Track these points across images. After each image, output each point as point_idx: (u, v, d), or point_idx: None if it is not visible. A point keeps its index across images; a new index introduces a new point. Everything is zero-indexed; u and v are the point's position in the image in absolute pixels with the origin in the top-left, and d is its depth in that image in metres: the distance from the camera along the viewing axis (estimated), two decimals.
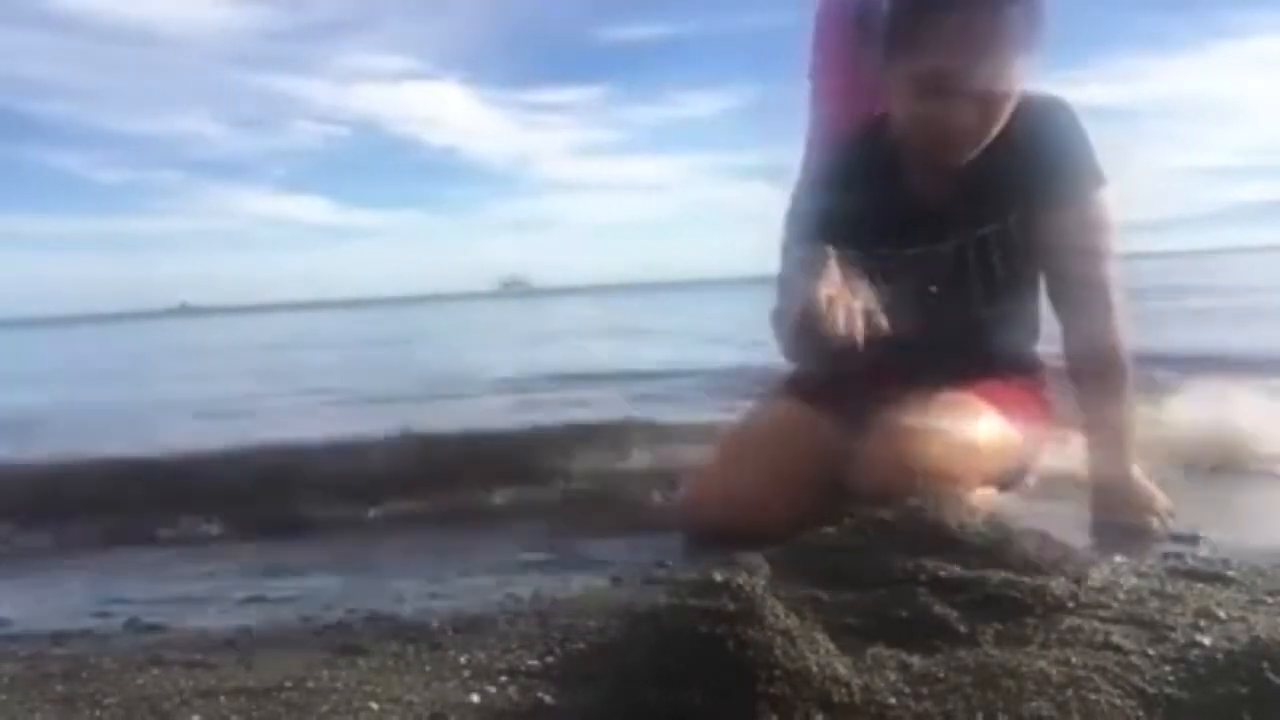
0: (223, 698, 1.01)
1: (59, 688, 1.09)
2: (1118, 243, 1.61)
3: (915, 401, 1.54)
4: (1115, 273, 1.60)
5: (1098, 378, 1.60)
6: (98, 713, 1.01)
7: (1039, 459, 1.73)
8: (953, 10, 1.48)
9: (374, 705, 0.98)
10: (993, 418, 1.59)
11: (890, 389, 1.57)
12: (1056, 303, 1.66)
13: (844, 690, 0.79)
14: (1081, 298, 1.61)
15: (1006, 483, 1.65)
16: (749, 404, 1.98)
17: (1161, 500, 1.57)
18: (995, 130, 1.56)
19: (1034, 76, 1.57)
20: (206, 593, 1.57)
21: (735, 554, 1.15)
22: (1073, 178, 1.58)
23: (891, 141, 1.66)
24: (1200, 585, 1.10)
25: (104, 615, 1.45)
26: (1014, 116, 1.56)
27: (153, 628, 1.36)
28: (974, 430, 1.55)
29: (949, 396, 1.58)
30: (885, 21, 1.60)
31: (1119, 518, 1.56)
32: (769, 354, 1.70)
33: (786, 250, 1.74)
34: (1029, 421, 1.66)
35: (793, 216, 1.77)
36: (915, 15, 1.53)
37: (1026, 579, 1.01)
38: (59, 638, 1.33)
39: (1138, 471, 1.59)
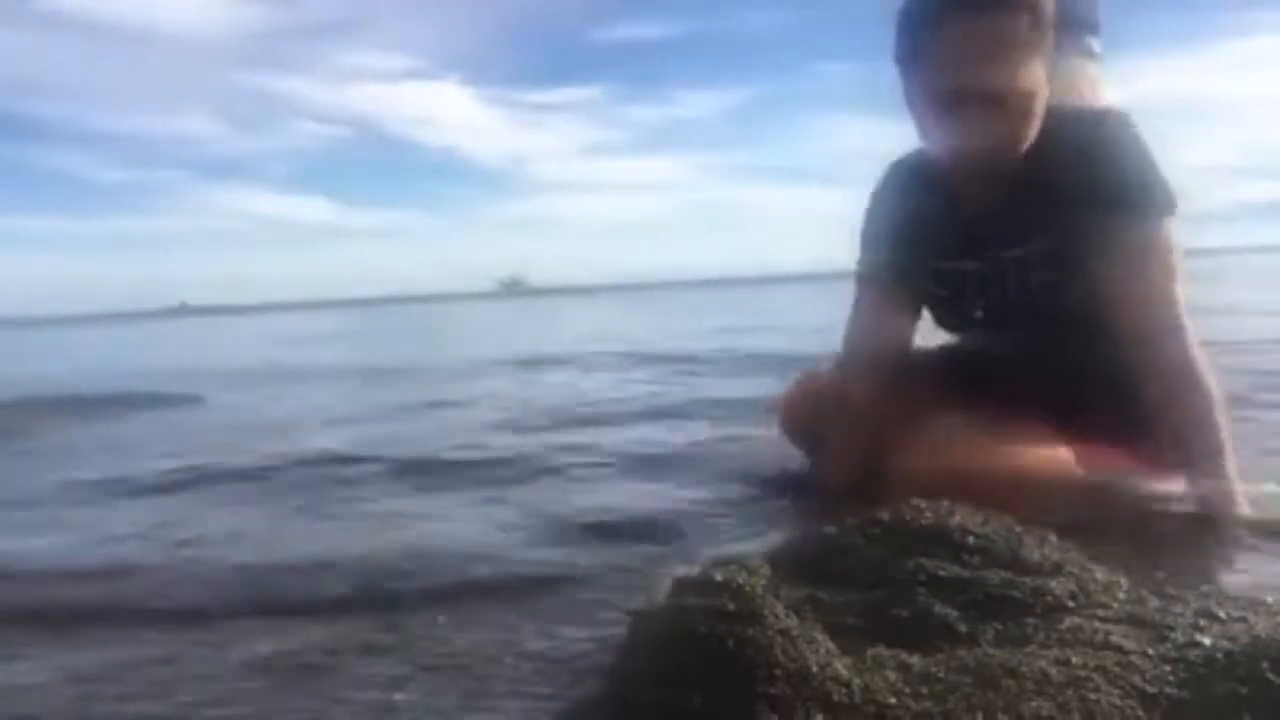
0: None
1: None
2: (1180, 265, 1.52)
3: (973, 415, 1.54)
4: (1180, 294, 1.51)
5: (1181, 403, 1.48)
6: None
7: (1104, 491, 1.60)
8: (948, 21, 1.48)
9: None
10: (1050, 446, 1.53)
11: (967, 397, 1.59)
12: (1122, 326, 1.53)
13: (844, 690, 0.79)
14: (1146, 319, 1.51)
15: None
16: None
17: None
18: (1027, 135, 1.52)
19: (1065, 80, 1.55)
20: None
21: (733, 553, 1.15)
22: (1128, 193, 1.51)
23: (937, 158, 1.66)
24: (1200, 585, 1.10)
25: None
26: (1065, 126, 1.54)
27: None
28: (1021, 455, 1.50)
29: (1009, 418, 1.54)
30: (895, 43, 1.60)
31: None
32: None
33: (858, 275, 1.84)
34: (1102, 454, 1.57)
35: (865, 229, 1.83)
36: (917, 31, 1.54)
37: (1026, 579, 1.01)
38: None
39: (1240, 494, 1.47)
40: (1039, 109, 1.51)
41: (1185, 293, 1.52)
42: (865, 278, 1.82)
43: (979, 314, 1.71)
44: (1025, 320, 1.66)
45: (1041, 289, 1.62)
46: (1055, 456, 1.55)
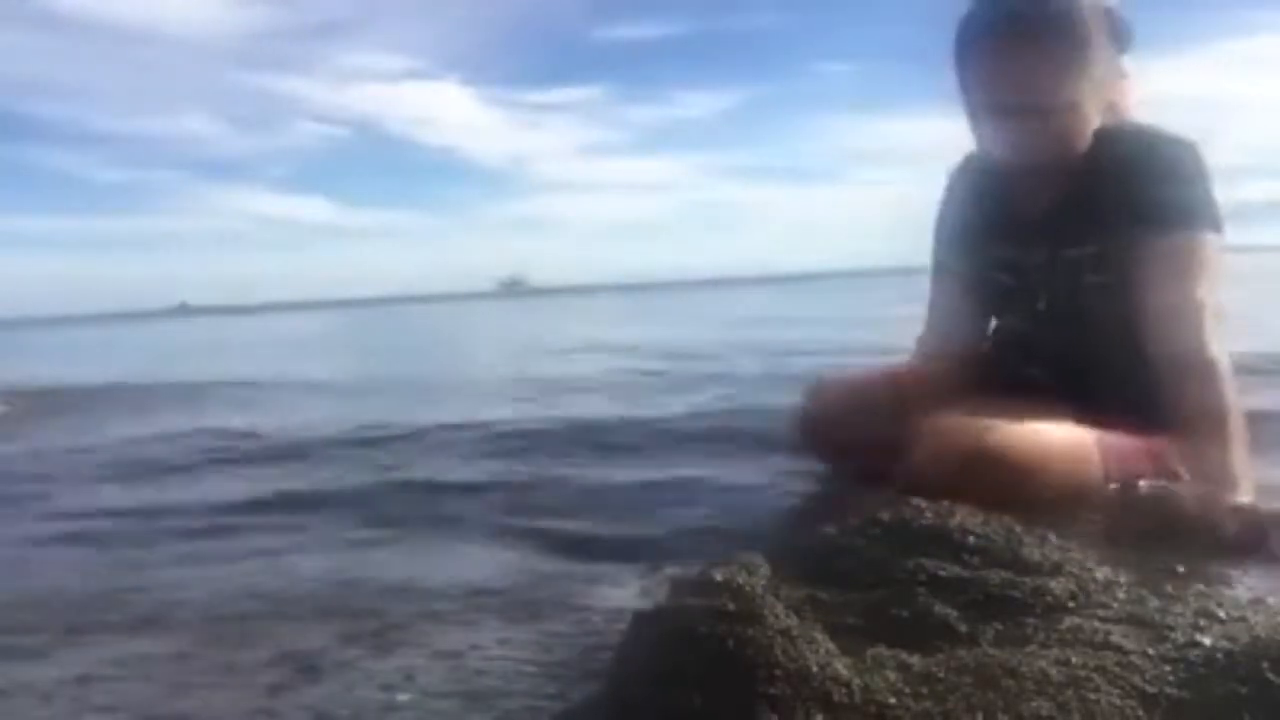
0: None
1: None
2: (1215, 285, 1.55)
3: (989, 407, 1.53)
4: (1209, 306, 1.54)
5: (1196, 410, 1.48)
6: None
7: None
8: (993, 40, 1.59)
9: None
10: (1071, 432, 1.53)
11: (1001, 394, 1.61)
12: (1148, 331, 1.56)
13: (844, 690, 0.79)
14: (1170, 326, 1.54)
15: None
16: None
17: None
18: (1072, 145, 1.61)
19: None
20: None
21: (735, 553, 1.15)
22: (1173, 208, 1.57)
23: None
24: (1200, 585, 1.10)
25: None
26: (1123, 141, 1.62)
27: None
28: (1037, 436, 1.49)
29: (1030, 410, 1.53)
30: (954, 53, 1.68)
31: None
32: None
33: (935, 266, 1.96)
34: (1119, 450, 1.56)
35: (939, 223, 1.96)
36: (967, 46, 1.64)
37: (1026, 579, 1.01)
38: None
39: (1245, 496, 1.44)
40: (1082, 122, 1.60)
41: (1217, 307, 1.55)
42: (941, 269, 1.94)
43: (1042, 306, 1.78)
44: (1076, 320, 1.73)
45: (1091, 291, 1.69)
46: (1077, 439, 1.54)
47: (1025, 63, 1.56)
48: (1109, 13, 1.61)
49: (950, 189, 1.94)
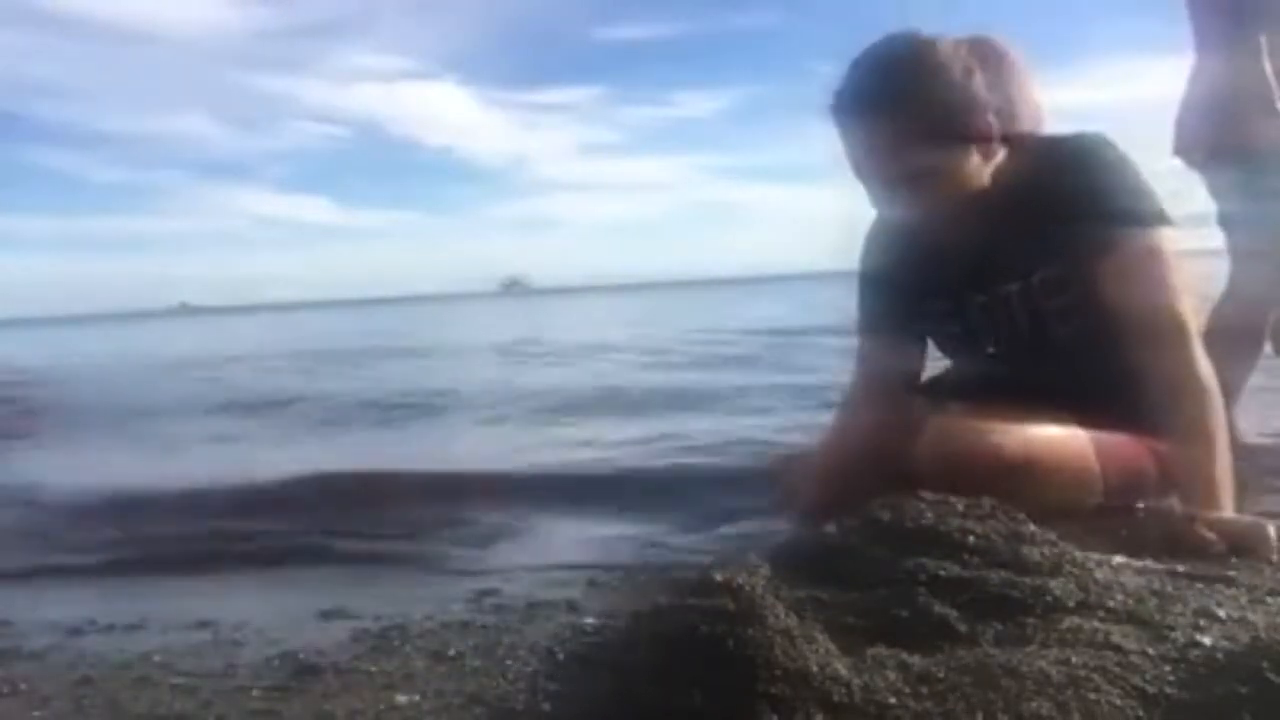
0: None
1: None
2: (1183, 279, 1.52)
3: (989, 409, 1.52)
4: (1188, 308, 1.51)
5: (1180, 420, 1.46)
6: None
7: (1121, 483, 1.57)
8: (839, 118, 1.54)
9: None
10: (1070, 432, 1.52)
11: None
12: (1130, 346, 1.51)
13: (844, 690, 0.79)
14: (1150, 337, 1.50)
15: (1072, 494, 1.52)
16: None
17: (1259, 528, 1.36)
18: (966, 189, 1.53)
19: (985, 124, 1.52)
20: None
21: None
22: (1119, 203, 1.51)
23: None
24: (1200, 585, 1.10)
25: None
26: (1045, 153, 1.54)
27: None
28: (1039, 434, 1.49)
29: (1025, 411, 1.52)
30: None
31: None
32: None
33: (860, 328, 1.82)
34: (1119, 450, 1.55)
35: (861, 283, 1.82)
36: (835, 120, 1.57)
37: (1026, 579, 1.01)
38: None
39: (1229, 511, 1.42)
40: (963, 169, 1.52)
41: (1190, 302, 1.52)
42: (866, 330, 1.82)
43: (991, 350, 1.69)
44: (1040, 349, 1.65)
45: (1054, 315, 1.61)
46: (1075, 440, 1.53)
47: (874, 141, 1.51)
48: (979, 44, 1.53)
49: (867, 253, 1.81)
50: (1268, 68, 2.12)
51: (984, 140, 1.53)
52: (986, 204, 1.55)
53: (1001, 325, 1.66)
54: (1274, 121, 2.08)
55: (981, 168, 1.54)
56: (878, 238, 1.79)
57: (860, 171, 1.58)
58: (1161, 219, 1.53)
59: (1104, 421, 1.55)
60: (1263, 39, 2.13)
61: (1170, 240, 1.53)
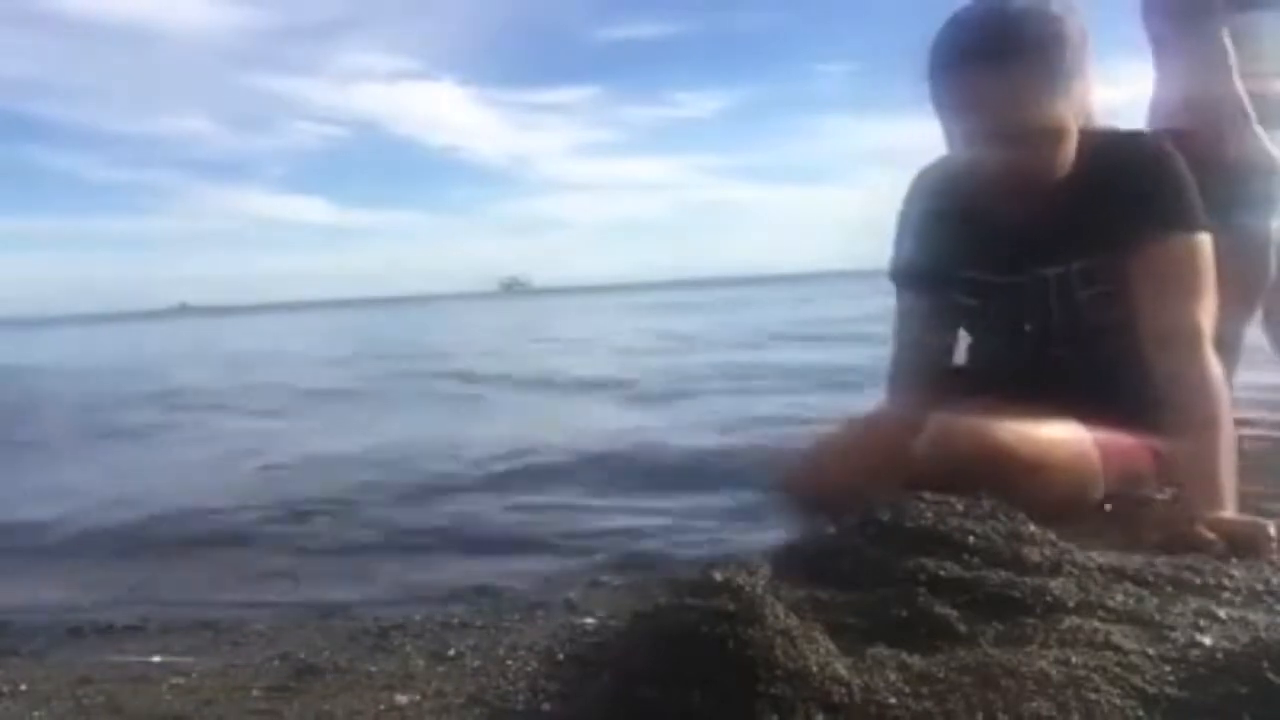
0: None
1: None
2: (1210, 287, 1.55)
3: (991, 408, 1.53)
4: (1206, 314, 1.53)
5: (1187, 419, 1.47)
6: None
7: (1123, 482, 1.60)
8: (964, 68, 1.52)
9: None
10: (1072, 432, 1.53)
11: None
12: (1146, 343, 1.55)
13: (844, 690, 0.79)
14: (1166, 336, 1.52)
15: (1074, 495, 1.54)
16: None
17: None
18: (1054, 164, 1.56)
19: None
20: None
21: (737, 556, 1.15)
22: (1159, 217, 1.55)
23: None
24: (1200, 585, 1.09)
25: None
26: (1104, 153, 1.57)
27: None
28: (1041, 434, 1.50)
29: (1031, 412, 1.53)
30: (927, 78, 1.61)
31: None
32: None
33: (893, 280, 1.83)
34: (1120, 450, 1.57)
35: (897, 235, 1.82)
36: (935, 70, 1.57)
37: (1026, 579, 1.01)
38: None
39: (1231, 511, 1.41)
40: (1066, 143, 1.55)
41: (1211, 309, 1.54)
42: (900, 283, 1.83)
43: (1029, 327, 1.71)
44: (1071, 337, 1.68)
45: (1089, 305, 1.64)
46: (1078, 440, 1.54)
47: (1002, 90, 1.49)
48: (1077, 15, 1.55)
49: (909, 202, 1.82)
50: (1230, 64, 2.06)
51: (1082, 114, 1.56)
52: (1054, 184, 1.58)
53: (1035, 310, 1.68)
54: (1238, 124, 2.04)
55: (1072, 142, 1.56)
56: (921, 193, 1.79)
57: (971, 123, 1.54)
58: (1204, 225, 1.56)
59: (1115, 416, 1.57)
60: (1221, 35, 2.06)
61: (1208, 246, 1.56)
